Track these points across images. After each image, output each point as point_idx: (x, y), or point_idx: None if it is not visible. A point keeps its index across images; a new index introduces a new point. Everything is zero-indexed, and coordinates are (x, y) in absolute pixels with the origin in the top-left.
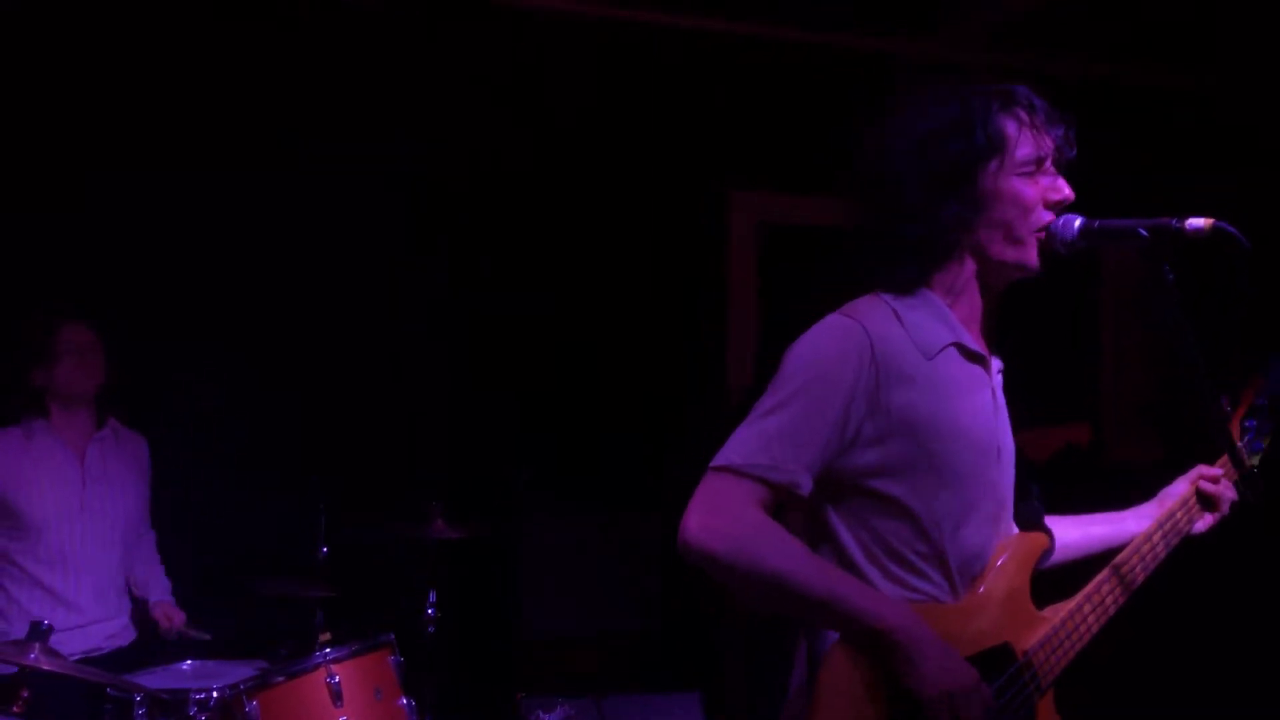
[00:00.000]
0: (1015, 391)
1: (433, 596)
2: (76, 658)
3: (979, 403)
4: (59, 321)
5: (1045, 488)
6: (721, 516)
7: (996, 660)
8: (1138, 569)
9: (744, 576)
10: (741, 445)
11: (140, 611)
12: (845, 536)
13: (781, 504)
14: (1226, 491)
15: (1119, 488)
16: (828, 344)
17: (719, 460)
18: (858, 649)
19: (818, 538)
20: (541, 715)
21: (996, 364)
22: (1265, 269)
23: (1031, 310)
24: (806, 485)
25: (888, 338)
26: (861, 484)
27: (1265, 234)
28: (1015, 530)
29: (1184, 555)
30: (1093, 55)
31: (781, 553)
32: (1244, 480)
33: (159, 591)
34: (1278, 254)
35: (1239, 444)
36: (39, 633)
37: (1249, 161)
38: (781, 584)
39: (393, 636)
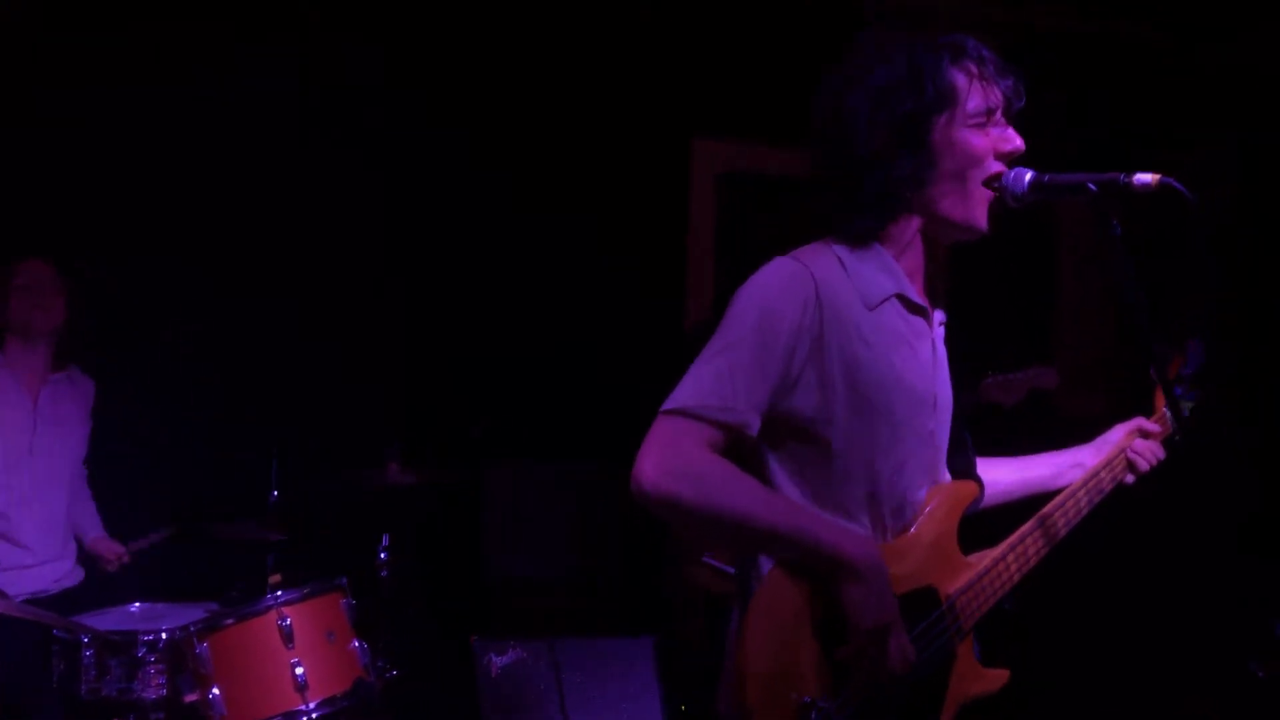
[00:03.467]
0: (973, 343)
1: (385, 540)
2: (24, 598)
3: (918, 353)
4: (16, 258)
5: (1009, 434)
6: (676, 458)
7: (921, 602)
8: (1060, 522)
9: (702, 516)
10: (692, 387)
11: (82, 551)
12: (781, 479)
13: (731, 445)
14: (1153, 452)
15: (1071, 440)
16: (774, 286)
17: (670, 403)
18: (795, 573)
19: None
20: (494, 658)
21: (939, 316)
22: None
23: (988, 263)
24: (755, 425)
25: (832, 284)
26: (799, 428)
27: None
28: (949, 478)
29: (1117, 510)
30: (1071, 8)
31: (739, 490)
32: (1179, 429)
33: (94, 528)
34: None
35: (1162, 411)
36: None
37: (1237, 123)
38: (742, 520)
39: (345, 580)
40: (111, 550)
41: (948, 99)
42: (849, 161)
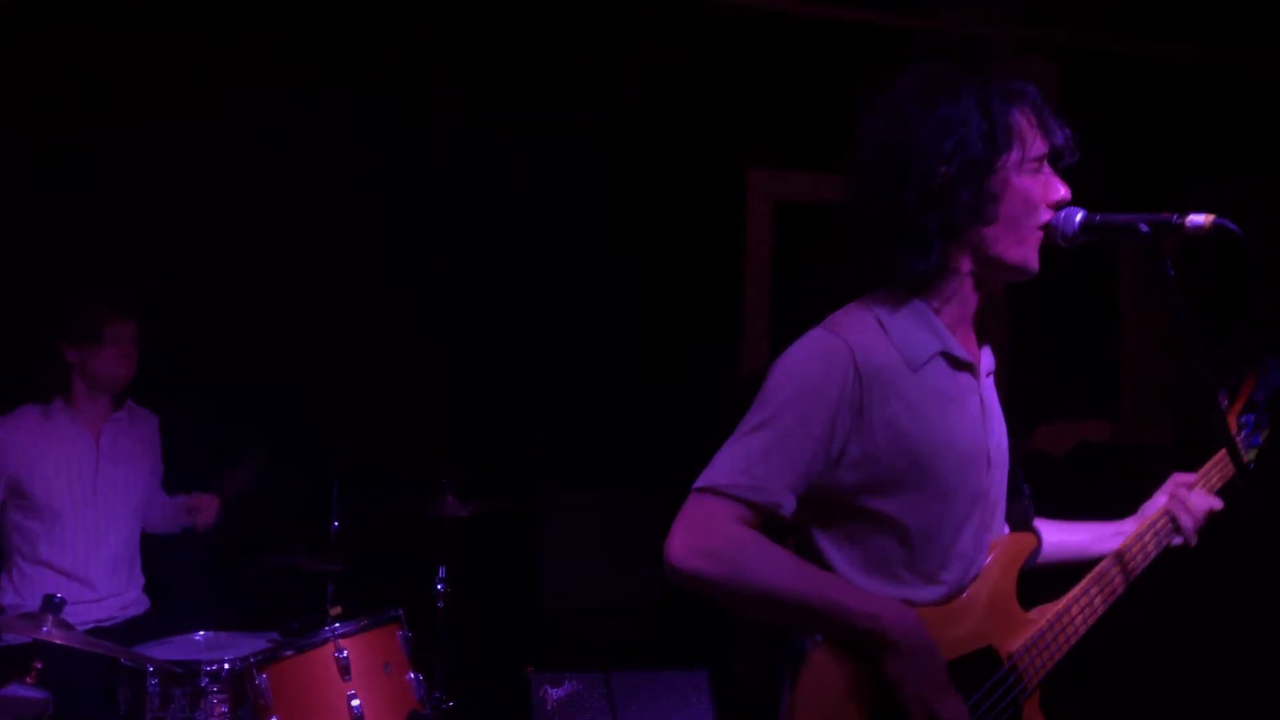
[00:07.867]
0: (1034, 381)
1: (442, 572)
2: (89, 627)
3: (967, 410)
4: (110, 312)
5: (1064, 480)
6: (705, 536)
7: (981, 664)
8: (1119, 577)
9: (734, 592)
10: (724, 465)
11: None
12: (831, 553)
13: (765, 524)
14: (1198, 505)
15: (1133, 473)
16: (811, 361)
17: (702, 481)
18: (840, 649)
19: (803, 554)
20: (549, 690)
21: (987, 365)
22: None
23: (1051, 296)
24: (789, 506)
25: (872, 351)
26: (849, 501)
27: None
28: (1006, 530)
29: (1180, 556)
30: (1113, 31)
31: (769, 564)
32: (1240, 475)
33: (181, 500)
34: None
35: (1236, 438)
36: (52, 605)
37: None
38: (772, 595)
39: (401, 612)
40: (206, 504)
41: (1012, 141)
42: (908, 194)
